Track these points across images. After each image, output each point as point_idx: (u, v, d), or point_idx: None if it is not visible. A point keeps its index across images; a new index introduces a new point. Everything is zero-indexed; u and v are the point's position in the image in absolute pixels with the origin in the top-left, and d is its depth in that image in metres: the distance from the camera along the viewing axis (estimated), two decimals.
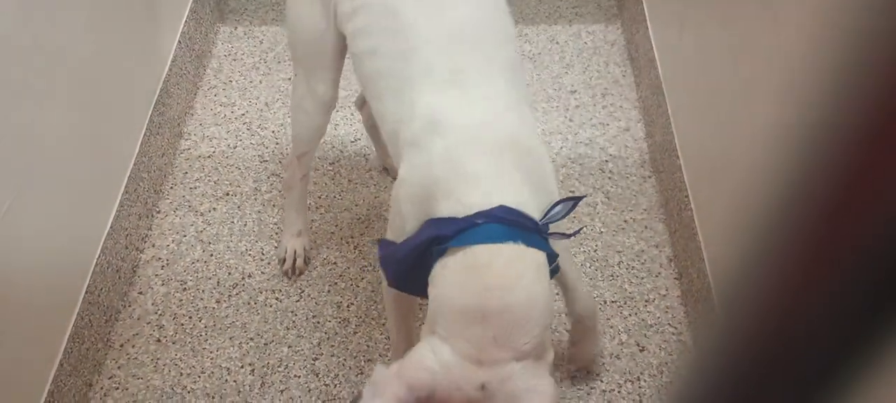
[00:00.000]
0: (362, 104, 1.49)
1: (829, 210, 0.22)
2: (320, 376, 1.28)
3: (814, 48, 0.90)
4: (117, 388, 1.26)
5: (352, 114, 1.70)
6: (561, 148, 1.62)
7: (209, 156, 1.63)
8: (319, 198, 1.54)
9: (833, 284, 0.22)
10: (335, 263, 1.43)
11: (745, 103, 1.14)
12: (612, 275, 1.41)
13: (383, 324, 1.34)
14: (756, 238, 0.25)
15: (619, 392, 1.26)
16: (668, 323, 1.34)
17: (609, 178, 1.57)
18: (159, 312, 1.36)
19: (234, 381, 1.27)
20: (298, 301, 1.38)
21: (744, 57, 1.14)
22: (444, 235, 0.79)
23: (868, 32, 0.20)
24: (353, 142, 1.65)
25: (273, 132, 1.67)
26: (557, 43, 1.87)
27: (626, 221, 1.49)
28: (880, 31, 0.20)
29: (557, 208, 0.84)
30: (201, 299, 1.38)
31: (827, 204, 0.22)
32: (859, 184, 0.21)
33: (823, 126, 0.22)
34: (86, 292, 1.24)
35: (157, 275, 1.41)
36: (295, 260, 1.39)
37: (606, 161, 1.60)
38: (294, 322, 1.35)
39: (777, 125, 1.01)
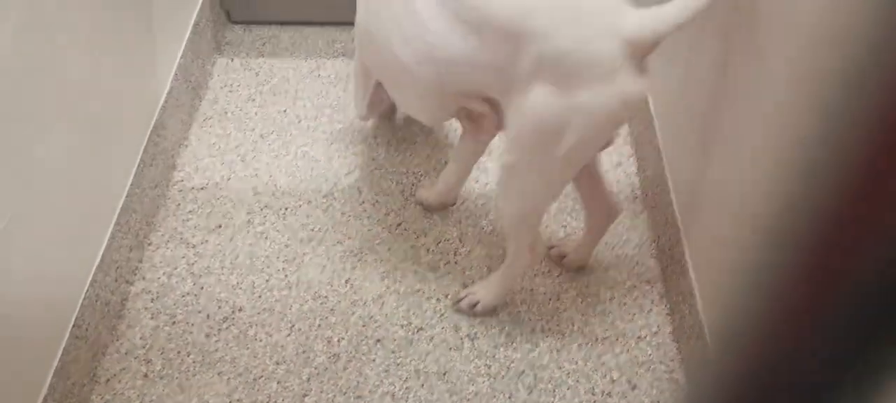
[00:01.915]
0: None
1: (825, 242, 0.22)
2: None
3: (800, 83, 0.91)
4: None
5: (346, 147, 1.71)
6: None
7: (202, 188, 1.63)
8: (312, 230, 1.54)
9: (830, 319, 0.22)
10: (326, 297, 1.42)
11: (734, 139, 1.14)
12: (603, 311, 1.40)
13: (373, 360, 1.33)
14: (750, 274, 0.25)
15: None
16: (660, 361, 1.34)
17: None
18: (147, 346, 1.35)
19: None
20: (288, 335, 1.37)
21: (732, 92, 1.15)
22: None
23: (858, 69, 0.20)
24: (346, 174, 1.65)
25: (267, 164, 1.68)
26: None
27: (617, 256, 1.49)
28: (871, 65, 0.20)
29: None
30: (190, 333, 1.37)
31: (824, 236, 0.22)
32: (855, 214, 0.21)
33: (817, 159, 0.22)
34: (73, 325, 1.24)
35: (146, 309, 1.41)
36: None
37: None
38: (283, 357, 1.34)
39: (767, 161, 1.01)
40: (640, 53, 1.01)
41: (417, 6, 1.09)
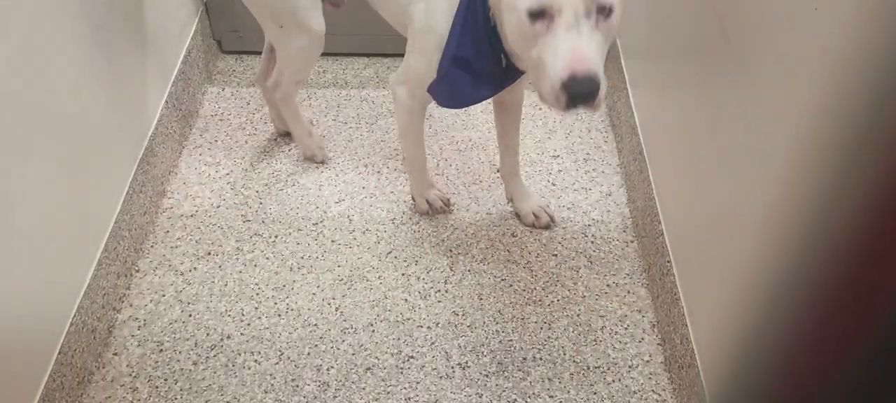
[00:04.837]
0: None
1: (833, 294, 0.22)
2: None
3: (788, 114, 0.93)
4: None
5: (336, 175, 1.71)
6: None
7: (191, 216, 1.62)
8: (302, 258, 1.53)
9: (836, 372, 0.22)
10: (316, 325, 1.41)
11: (724, 170, 1.15)
12: (595, 340, 1.40)
13: (364, 389, 1.32)
14: (755, 331, 0.25)
15: None
16: (652, 390, 1.33)
17: (592, 243, 1.57)
18: (134, 374, 1.33)
19: None
20: (277, 363, 1.35)
21: (722, 124, 1.16)
22: None
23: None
24: (337, 202, 1.65)
25: (257, 192, 1.67)
26: (541, 109, 1.90)
27: (608, 286, 1.49)
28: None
29: None
30: (177, 361, 1.35)
31: (831, 289, 0.22)
32: (864, 264, 0.21)
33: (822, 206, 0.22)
34: (59, 352, 1.21)
35: (133, 336, 1.39)
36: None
37: (589, 225, 1.61)
38: (272, 385, 1.32)
39: (756, 194, 1.02)
40: None
41: None
